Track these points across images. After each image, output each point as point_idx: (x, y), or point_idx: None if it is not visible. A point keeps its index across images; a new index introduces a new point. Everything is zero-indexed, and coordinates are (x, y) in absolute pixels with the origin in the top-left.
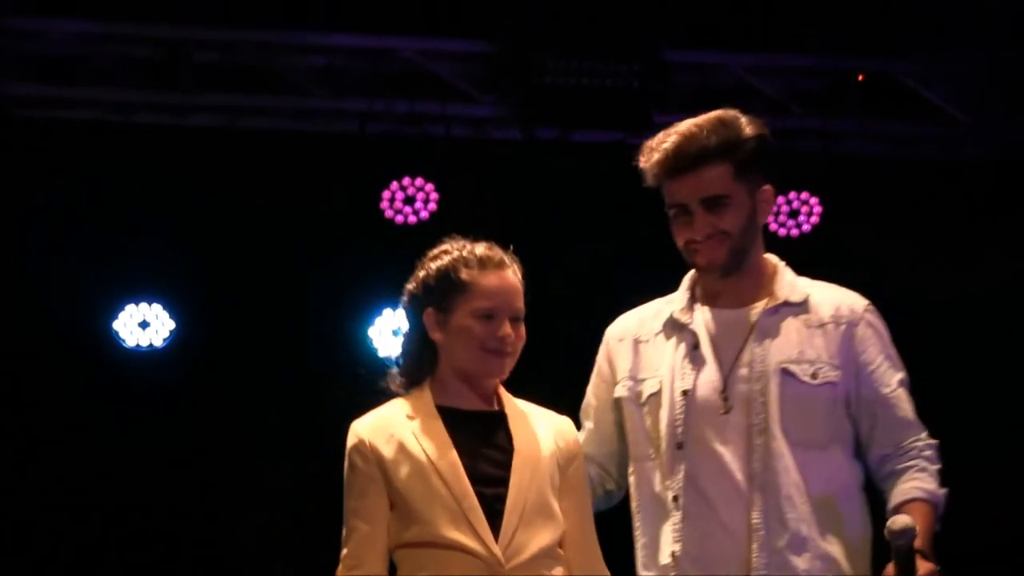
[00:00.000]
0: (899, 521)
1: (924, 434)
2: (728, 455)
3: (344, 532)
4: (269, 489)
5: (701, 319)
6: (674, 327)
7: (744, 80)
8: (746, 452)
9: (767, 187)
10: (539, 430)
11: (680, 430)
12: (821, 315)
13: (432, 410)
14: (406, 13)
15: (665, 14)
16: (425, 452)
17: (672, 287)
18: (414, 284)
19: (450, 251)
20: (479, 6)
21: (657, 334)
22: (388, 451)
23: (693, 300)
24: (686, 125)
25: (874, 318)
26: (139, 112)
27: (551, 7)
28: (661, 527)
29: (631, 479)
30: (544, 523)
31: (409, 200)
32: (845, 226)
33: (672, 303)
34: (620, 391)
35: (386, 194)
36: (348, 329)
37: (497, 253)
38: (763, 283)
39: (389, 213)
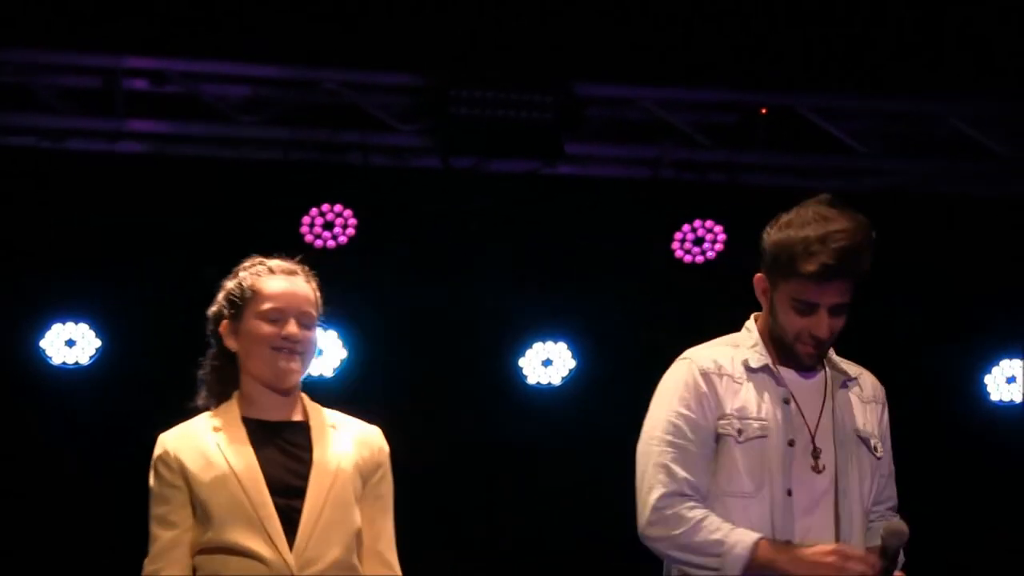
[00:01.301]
0: (896, 524)
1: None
2: (819, 512)
3: (149, 540)
4: None
5: (787, 377)
6: (769, 376)
7: (653, 113)
8: (835, 514)
9: None
10: (342, 440)
11: (788, 478)
12: (866, 392)
13: (238, 421)
14: (330, 46)
15: (578, 49)
16: (228, 462)
17: (580, 312)
18: (214, 306)
19: (243, 266)
20: (400, 40)
21: (748, 379)
22: (191, 461)
23: (769, 356)
24: (846, 238)
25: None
26: (72, 138)
27: (469, 42)
28: None
29: (720, 511)
30: (340, 534)
31: (328, 225)
32: (748, 254)
33: (743, 349)
34: (724, 427)
35: (306, 219)
36: None
37: (287, 262)
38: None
39: (309, 238)
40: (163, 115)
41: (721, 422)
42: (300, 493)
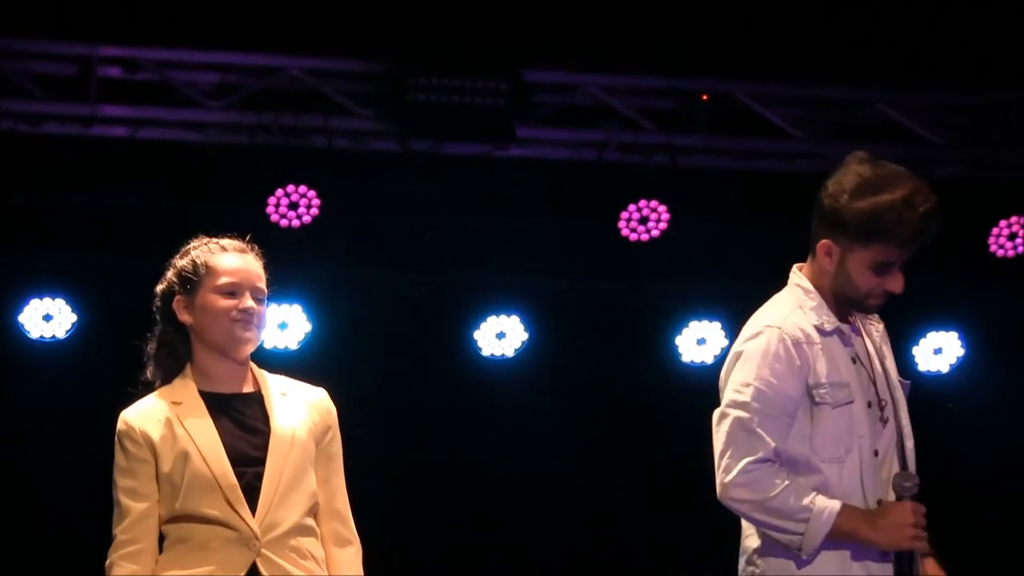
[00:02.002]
0: (909, 473)
1: None
2: (890, 461)
3: (116, 512)
4: None
5: (850, 334)
6: (840, 338)
7: (599, 99)
8: (901, 459)
9: None
10: (295, 407)
11: (875, 438)
12: (881, 327)
13: (196, 396)
14: (293, 34)
15: (528, 38)
16: (189, 435)
17: (531, 287)
18: (164, 284)
19: (194, 246)
20: (360, 29)
21: (824, 342)
22: (156, 434)
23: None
24: (928, 194)
25: None
26: (47, 122)
27: (425, 32)
28: None
29: (804, 478)
30: (299, 498)
31: (293, 205)
32: (691, 231)
33: (810, 312)
34: (822, 396)
35: (272, 200)
36: None
37: (237, 241)
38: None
39: (275, 217)
40: (135, 101)
41: (819, 391)
42: (260, 462)
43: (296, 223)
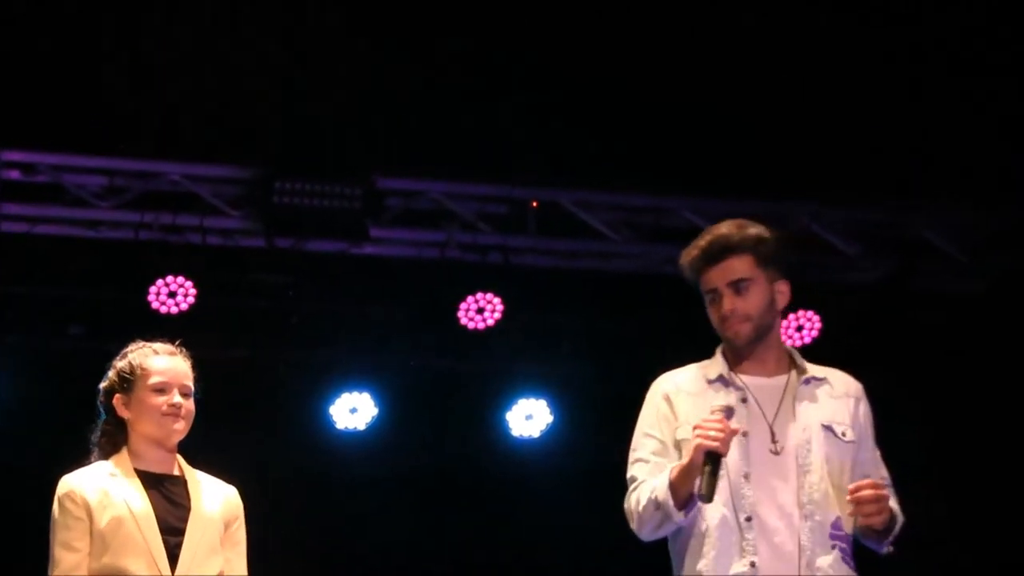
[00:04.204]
0: (723, 405)
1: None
2: (784, 489)
3: (51, 563)
4: None
5: (744, 381)
6: (724, 383)
7: (442, 203)
8: (797, 488)
9: (783, 282)
10: (212, 494)
11: (745, 463)
12: (837, 389)
13: (131, 471)
14: (173, 143)
15: (379, 149)
16: (126, 503)
17: (382, 366)
18: (106, 382)
19: (131, 349)
20: (231, 140)
21: (706, 389)
22: (94, 498)
23: (728, 365)
24: (713, 228)
25: (866, 397)
26: None
27: (288, 142)
28: (732, 543)
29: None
30: (211, 568)
31: (172, 294)
32: (521, 321)
33: (708, 367)
34: (683, 433)
35: (153, 289)
36: None
37: (167, 344)
38: (783, 360)
39: (155, 304)
40: (33, 200)
41: (678, 431)
42: (181, 533)
43: (175, 310)
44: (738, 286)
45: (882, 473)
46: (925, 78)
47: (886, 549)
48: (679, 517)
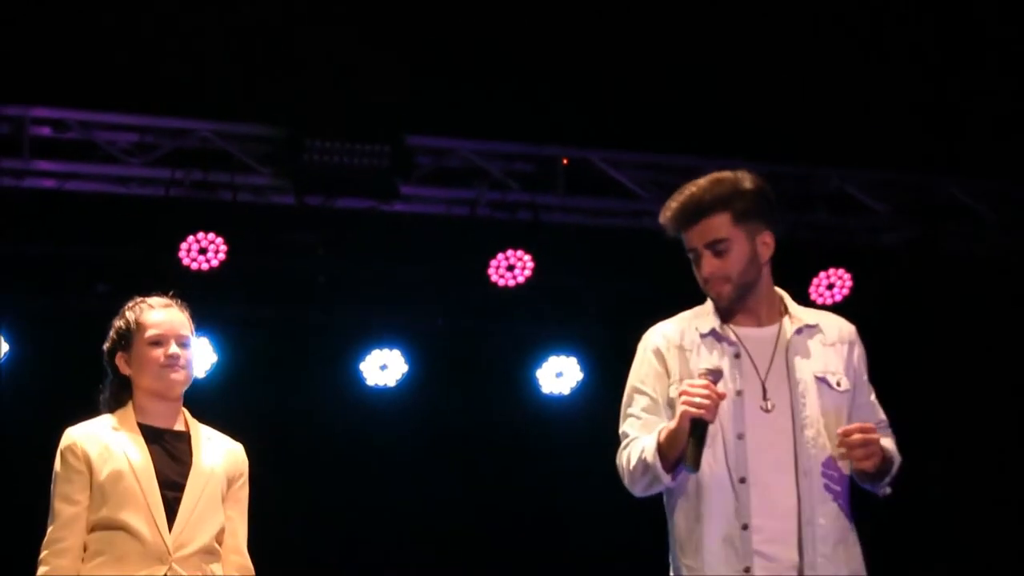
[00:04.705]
0: (711, 368)
1: (886, 422)
2: (778, 448)
3: (51, 514)
4: None
5: (737, 334)
6: (717, 339)
7: (472, 162)
8: (794, 445)
9: (767, 233)
10: (215, 451)
11: (739, 423)
12: (830, 336)
13: (134, 425)
14: (204, 101)
15: (409, 107)
16: (127, 457)
17: (412, 325)
18: (108, 342)
19: (128, 307)
20: (263, 97)
21: (699, 344)
22: (94, 452)
23: (720, 318)
24: (689, 185)
25: (859, 339)
26: None
27: (319, 100)
28: (726, 504)
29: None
30: (210, 525)
31: (203, 251)
32: (553, 280)
33: (700, 317)
34: (673, 392)
35: (184, 246)
36: None
37: (162, 297)
38: (775, 307)
39: (186, 261)
40: (63, 157)
41: (671, 388)
42: (180, 488)
43: (205, 266)
44: (716, 247)
45: (879, 416)
46: (953, 43)
47: (884, 491)
48: (667, 480)
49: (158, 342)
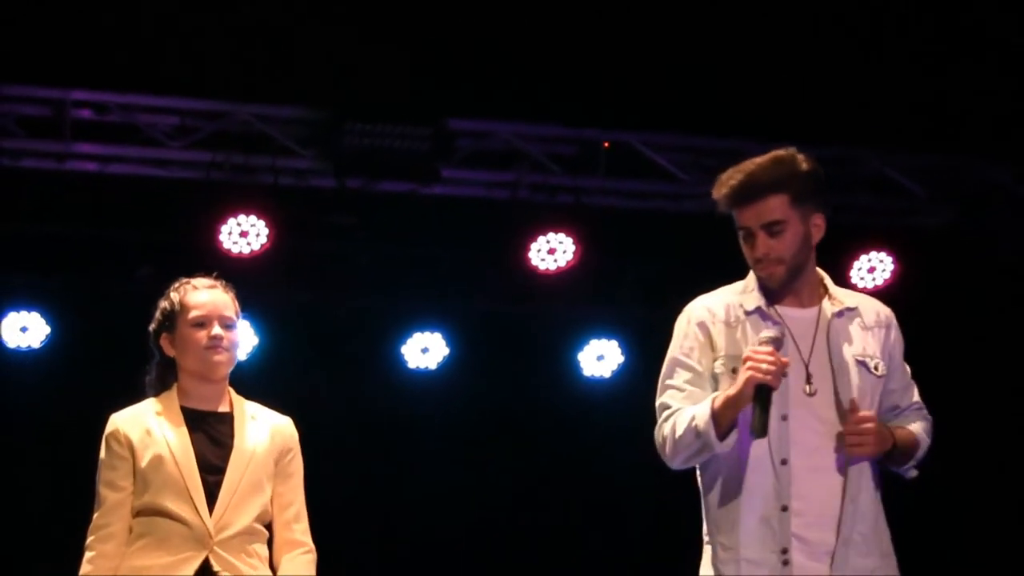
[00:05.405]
0: (770, 336)
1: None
2: (822, 431)
3: (96, 500)
4: None
5: (781, 315)
6: (762, 317)
7: (512, 144)
8: (835, 428)
9: (819, 215)
10: (259, 429)
11: (784, 405)
12: (868, 319)
13: (177, 409)
14: (245, 84)
15: (450, 90)
16: (167, 442)
17: (453, 307)
18: (154, 323)
19: (173, 288)
20: (303, 81)
21: (744, 321)
22: (137, 437)
23: (764, 297)
24: (748, 163)
25: (896, 323)
26: (26, 158)
27: (360, 83)
28: (766, 485)
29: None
30: (252, 506)
31: (244, 233)
32: (594, 263)
33: (745, 295)
34: (719, 367)
35: (225, 228)
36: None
37: (207, 278)
38: (816, 288)
39: (227, 244)
40: (104, 139)
41: (717, 363)
42: (221, 471)
43: (247, 249)
44: (771, 228)
45: (912, 399)
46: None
47: (910, 474)
48: (719, 447)
49: (202, 323)
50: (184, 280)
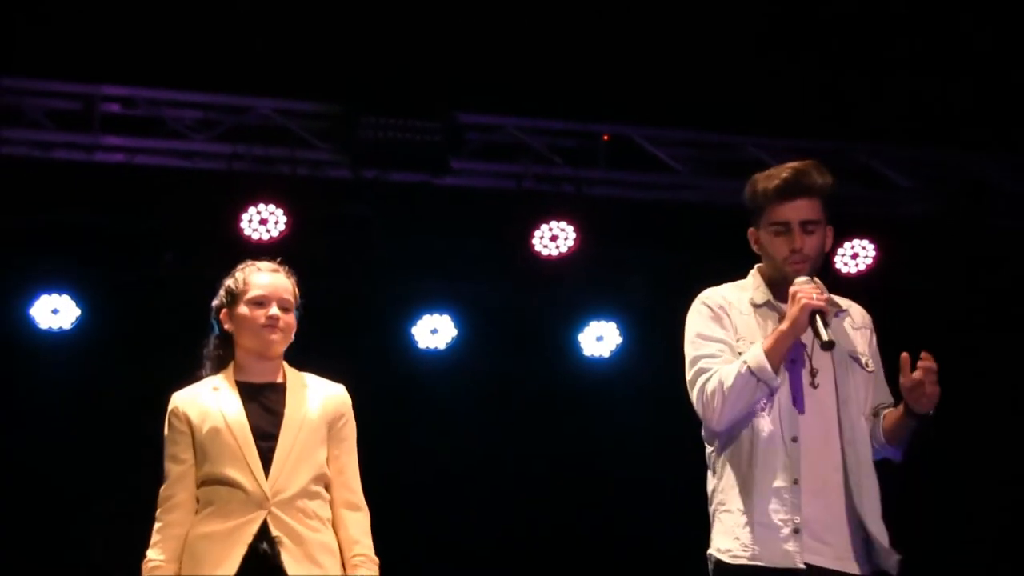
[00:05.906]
0: (806, 279)
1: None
2: (824, 420)
3: (163, 474)
4: None
5: (786, 310)
6: (771, 309)
7: (517, 137)
8: (838, 421)
9: (830, 227)
10: (312, 397)
11: (792, 392)
12: (857, 320)
13: (232, 384)
14: (264, 79)
15: (460, 86)
16: (223, 414)
17: (461, 292)
18: (217, 299)
19: (240, 267)
20: (320, 76)
21: (754, 312)
22: (195, 413)
23: (771, 293)
24: (797, 163)
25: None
26: (56, 149)
27: (374, 79)
28: (778, 460)
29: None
30: (307, 469)
31: (263, 222)
32: (594, 250)
33: (752, 290)
34: (741, 347)
35: (245, 217)
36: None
37: (272, 262)
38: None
39: (247, 232)
40: (132, 132)
41: (740, 343)
42: (274, 438)
43: (265, 237)
44: (807, 226)
45: (891, 399)
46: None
47: (899, 456)
48: (777, 382)
49: (261, 303)
50: (250, 262)
